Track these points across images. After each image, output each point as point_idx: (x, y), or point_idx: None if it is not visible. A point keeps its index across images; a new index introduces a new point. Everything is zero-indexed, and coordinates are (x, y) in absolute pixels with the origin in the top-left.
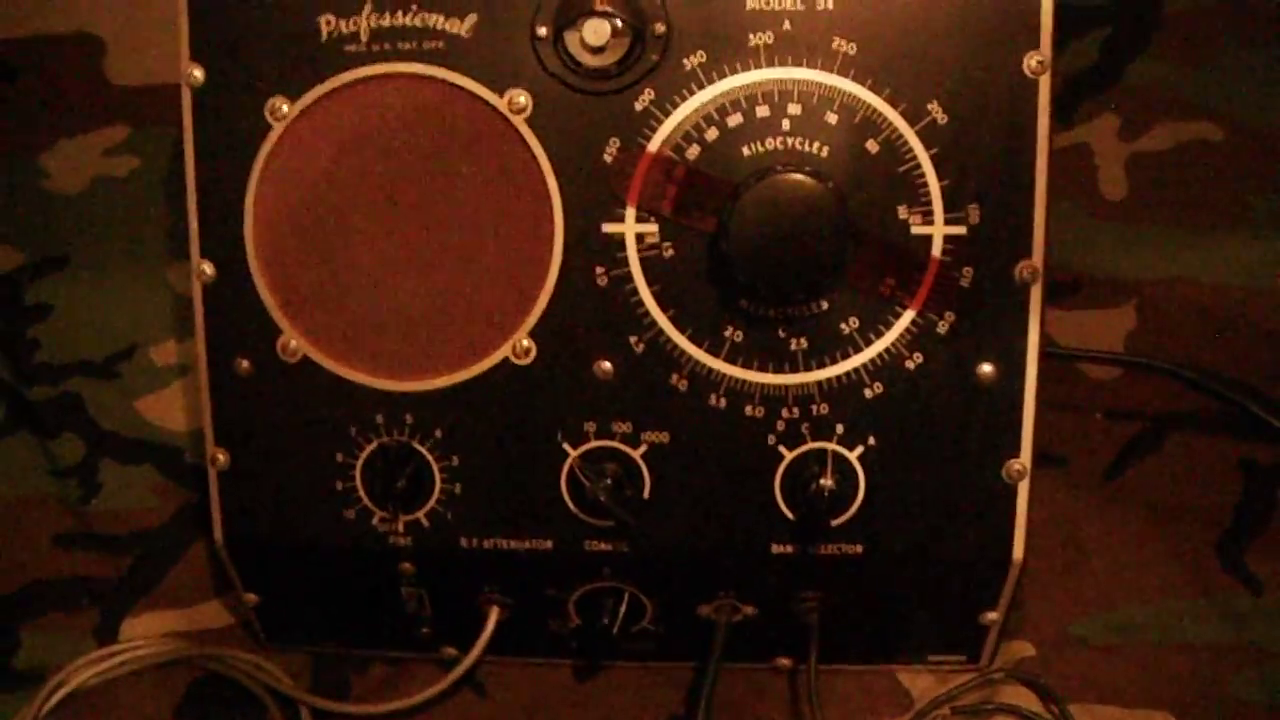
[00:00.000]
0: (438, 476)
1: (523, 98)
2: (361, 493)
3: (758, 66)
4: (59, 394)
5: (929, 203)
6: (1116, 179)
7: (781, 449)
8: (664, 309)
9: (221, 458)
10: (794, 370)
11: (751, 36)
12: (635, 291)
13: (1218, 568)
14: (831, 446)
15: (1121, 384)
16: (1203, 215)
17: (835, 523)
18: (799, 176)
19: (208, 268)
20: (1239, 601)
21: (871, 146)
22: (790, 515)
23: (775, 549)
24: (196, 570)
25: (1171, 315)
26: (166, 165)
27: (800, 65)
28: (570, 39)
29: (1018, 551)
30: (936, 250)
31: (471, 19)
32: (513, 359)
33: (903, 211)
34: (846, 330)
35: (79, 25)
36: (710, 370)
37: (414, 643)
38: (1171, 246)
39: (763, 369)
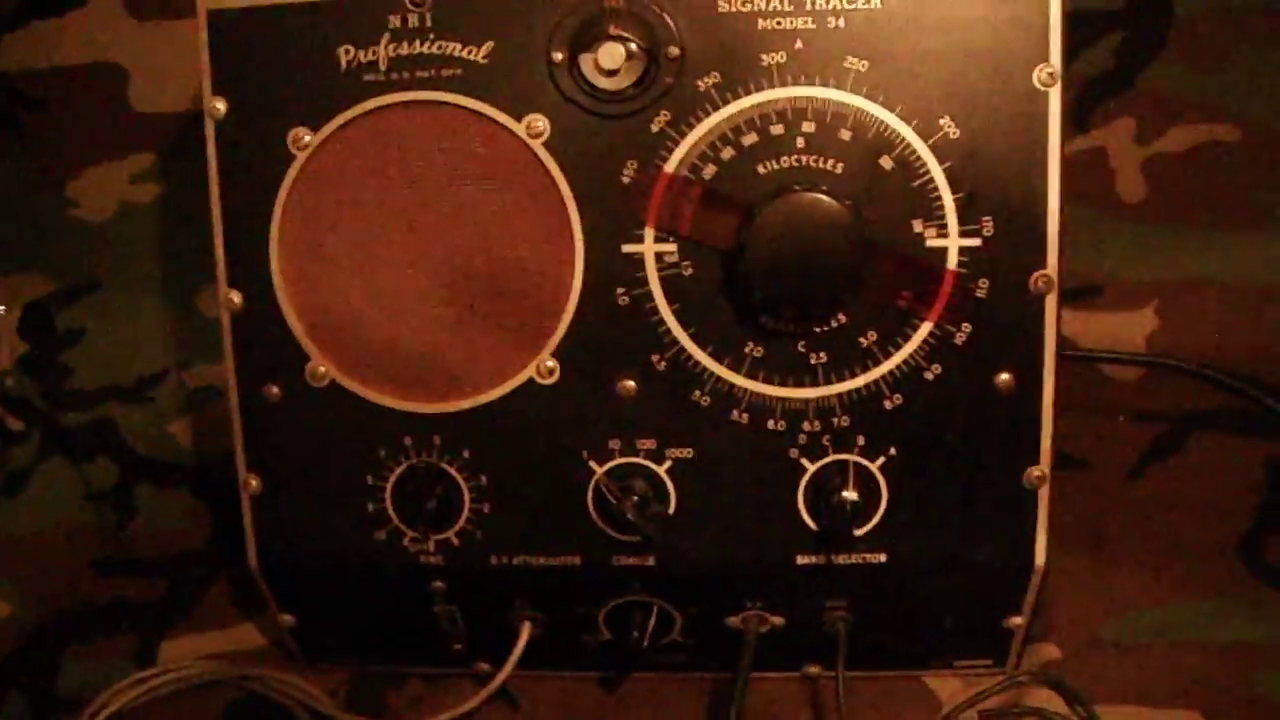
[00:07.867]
0: (467, 496)
1: (540, 122)
2: (392, 514)
3: (771, 86)
4: (92, 419)
5: (943, 216)
6: (1134, 182)
7: (804, 461)
8: (685, 327)
9: (254, 482)
10: (814, 384)
11: (764, 56)
12: (656, 310)
13: (1242, 566)
14: (853, 458)
15: (1143, 385)
16: (1220, 215)
17: (859, 533)
18: (815, 194)
19: (235, 296)
20: (1264, 599)
21: (885, 162)
22: (814, 526)
23: (800, 560)
24: (232, 592)
25: (1191, 315)
26: (192, 191)
27: (813, 84)
28: (585, 63)
29: (1040, 557)
30: (952, 262)
31: (488, 46)
32: (537, 379)
33: (918, 225)
34: (865, 343)
35: (101, 56)
36: (732, 386)
37: (448, 659)
38: (1190, 247)
39: (783, 383)
